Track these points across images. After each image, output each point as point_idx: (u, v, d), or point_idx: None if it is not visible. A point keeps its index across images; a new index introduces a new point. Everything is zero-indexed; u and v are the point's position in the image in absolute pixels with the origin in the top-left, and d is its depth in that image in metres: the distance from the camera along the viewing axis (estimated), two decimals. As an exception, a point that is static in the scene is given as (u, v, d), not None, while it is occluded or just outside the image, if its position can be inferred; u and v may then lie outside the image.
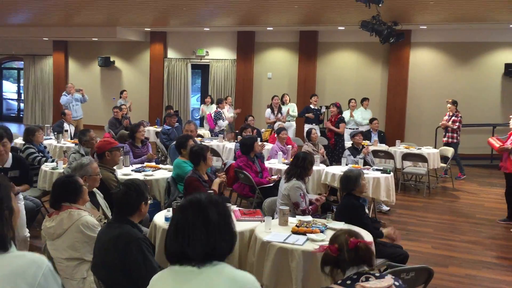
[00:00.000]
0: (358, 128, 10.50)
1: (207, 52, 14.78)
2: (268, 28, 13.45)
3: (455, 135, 9.74)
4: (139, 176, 5.71)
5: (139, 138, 7.07)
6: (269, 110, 10.96)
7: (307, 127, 10.32)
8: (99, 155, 4.84)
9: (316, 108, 10.94)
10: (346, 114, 10.69)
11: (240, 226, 4.16)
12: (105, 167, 4.79)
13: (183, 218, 1.86)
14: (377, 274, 2.30)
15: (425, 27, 12.19)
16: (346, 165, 7.34)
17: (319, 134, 10.05)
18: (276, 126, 10.11)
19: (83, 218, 3.40)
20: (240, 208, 4.68)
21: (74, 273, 3.38)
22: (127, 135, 7.45)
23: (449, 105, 9.87)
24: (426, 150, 9.07)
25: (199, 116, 15.46)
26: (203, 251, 1.80)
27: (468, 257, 5.61)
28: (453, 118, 9.75)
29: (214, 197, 1.95)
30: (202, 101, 15.46)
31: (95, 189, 4.22)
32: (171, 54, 15.38)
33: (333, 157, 9.24)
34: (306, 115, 10.80)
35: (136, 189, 3.21)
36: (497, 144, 6.69)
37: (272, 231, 4.03)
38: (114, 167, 5.16)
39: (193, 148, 5.15)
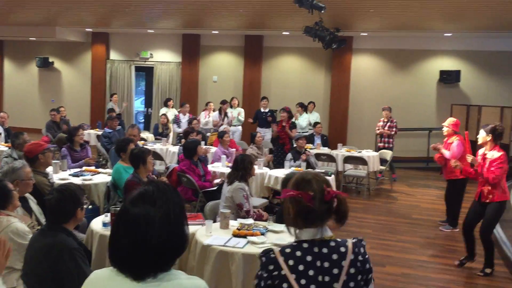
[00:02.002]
0: (306, 132, 10.69)
1: (151, 54, 14.55)
2: (213, 32, 13.43)
3: (391, 140, 10.09)
4: (77, 180, 5.53)
5: (78, 142, 6.85)
6: (217, 113, 10.97)
7: (259, 130, 10.52)
8: (31, 159, 4.63)
9: (265, 111, 11.07)
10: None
11: (181, 230, 4.12)
12: (37, 171, 4.60)
13: (135, 210, 1.58)
14: (333, 244, 1.90)
15: (366, 34, 12.58)
16: (289, 168, 7.43)
17: (269, 137, 10.21)
18: (221, 129, 10.10)
19: (12, 225, 3.24)
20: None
21: (4, 282, 3.21)
22: (65, 138, 7.20)
23: (386, 112, 10.18)
24: (366, 153, 9.34)
25: (143, 120, 15.21)
26: (156, 247, 1.54)
27: (405, 256, 5.82)
28: (389, 124, 10.07)
29: (164, 186, 1.67)
30: (147, 105, 15.25)
31: (27, 195, 4.04)
32: (114, 55, 15.01)
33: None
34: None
35: (71, 195, 3.08)
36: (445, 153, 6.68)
37: (212, 234, 4.01)
38: (49, 171, 4.97)
39: (134, 150, 5.05)
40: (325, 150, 9.70)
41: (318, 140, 10.11)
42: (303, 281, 1.84)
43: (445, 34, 12.00)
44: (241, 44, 13.75)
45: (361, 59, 13.17)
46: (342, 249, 1.89)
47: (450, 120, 6.82)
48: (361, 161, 8.79)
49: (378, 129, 10.17)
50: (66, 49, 15.34)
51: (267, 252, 1.91)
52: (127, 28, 13.96)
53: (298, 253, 1.88)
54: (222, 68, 14.08)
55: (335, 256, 1.87)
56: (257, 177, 6.96)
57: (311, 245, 1.88)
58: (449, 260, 5.76)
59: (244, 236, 3.96)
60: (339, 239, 1.93)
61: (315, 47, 11.81)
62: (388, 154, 9.63)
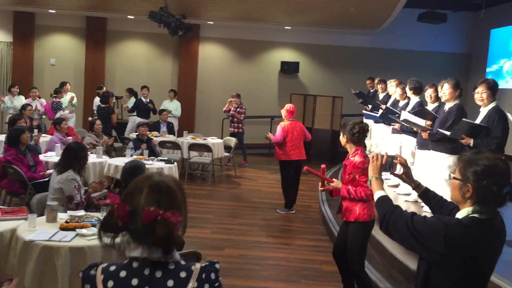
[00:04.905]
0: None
1: (-24, 31, 12.90)
2: (50, 11, 12.38)
3: (240, 125, 10.48)
4: None
5: None
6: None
7: (138, 119, 10.37)
8: None
9: (146, 101, 10.82)
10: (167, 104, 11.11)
11: (-1, 226, 3.74)
12: None
13: None
14: (172, 267, 1.54)
15: (212, 22, 12.73)
16: (131, 156, 7.22)
17: None
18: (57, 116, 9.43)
19: None
20: (0, 207, 4.19)
21: None
22: None
23: (235, 99, 10.50)
24: (211, 141, 9.50)
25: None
26: None
27: (243, 238, 6.06)
28: (238, 109, 10.42)
29: None
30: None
31: None
32: None
33: None
34: None
35: None
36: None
37: (37, 229, 3.71)
38: None
39: None
40: (171, 137, 9.64)
41: (164, 128, 10.00)
42: None
43: (286, 27, 12.71)
44: (82, 26, 12.93)
45: (208, 48, 13.32)
46: (183, 274, 1.53)
47: (286, 106, 7.35)
48: (206, 148, 8.92)
49: (230, 111, 10.43)
50: None
51: (89, 267, 1.59)
52: None
53: (123, 274, 1.53)
54: (61, 50, 13.09)
55: (170, 283, 1.51)
56: (96, 166, 6.63)
57: (142, 266, 1.53)
58: (283, 239, 6.16)
59: (73, 229, 3.74)
60: (183, 262, 1.57)
61: (162, 33, 11.60)
62: (232, 141, 9.93)
